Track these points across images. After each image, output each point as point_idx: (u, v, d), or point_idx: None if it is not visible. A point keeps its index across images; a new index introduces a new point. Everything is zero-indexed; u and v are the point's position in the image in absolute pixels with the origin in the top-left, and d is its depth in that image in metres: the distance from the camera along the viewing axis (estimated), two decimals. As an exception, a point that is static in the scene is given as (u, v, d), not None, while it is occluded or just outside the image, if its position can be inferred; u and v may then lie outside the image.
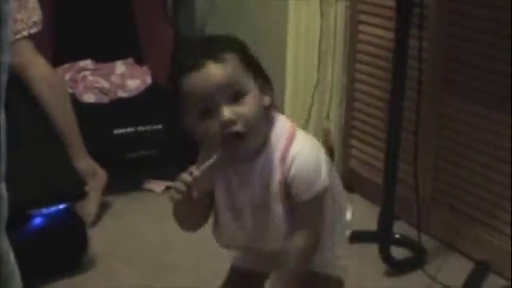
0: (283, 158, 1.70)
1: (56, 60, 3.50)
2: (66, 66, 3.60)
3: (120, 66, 3.66)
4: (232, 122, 1.64)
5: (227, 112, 1.63)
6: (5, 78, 1.10)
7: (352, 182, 3.26)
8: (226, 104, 1.64)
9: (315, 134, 3.41)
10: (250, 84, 1.68)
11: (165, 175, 3.32)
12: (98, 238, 2.83)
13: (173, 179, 3.27)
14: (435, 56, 2.78)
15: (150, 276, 2.62)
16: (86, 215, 2.87)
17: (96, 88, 3.48)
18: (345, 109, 3.30)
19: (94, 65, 3.64)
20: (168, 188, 3.27)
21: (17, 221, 2.41)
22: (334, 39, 3.26)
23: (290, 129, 1.75)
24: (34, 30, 2.89)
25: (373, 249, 2.66)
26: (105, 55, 3.68)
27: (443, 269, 2.66)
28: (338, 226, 1.93)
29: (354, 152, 3.33)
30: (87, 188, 2.75)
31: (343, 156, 3.34)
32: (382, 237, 2.67)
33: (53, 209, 2.61)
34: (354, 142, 3.32)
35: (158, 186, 3.32)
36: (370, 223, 2.72)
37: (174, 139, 3.16)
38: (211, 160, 1.69)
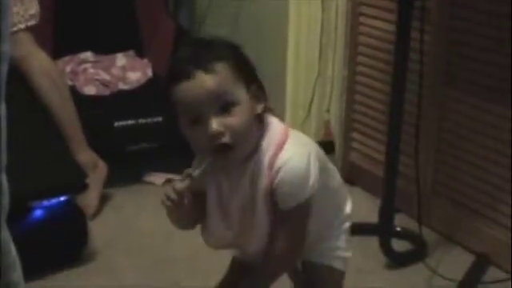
0: (271, 164, 1.71)
1: (56, 52, 3.50)
2: (67, 58, 3.60)
3: (121, 59, 3.66)
4: (220, 134, 1.65)
5: (215, 124, 1.65)
6: (5, 68, 1.10)
7: (353, 175, 3.26)
8: (215, 115, 1.65)
9: (316, 127, 3.42)
10: (241, 93, 1.68)
11: (165, 168, 3.32)
12: (99, 231, 2.83)
13: (173, 171, 3.30)
14: (436, 49, 2.78)
15: (150, 268, 2.63)
16: (86, 207, 2.87)
17: (97, 80, 3.48)
18: (346, 101, 3.30)
19: (94, 57, 3.64)
20: (168, 180, 3.27)
21: (17, 213, 2.40)
22: (334, 32, 3.26)
23: (282, 134, 1.75)
24: (31, 23, 2.89)
25: (373, 241, 2.66)
26: (105, 47, 3.68)
27: (444, 261, 2.66)
28: (337, 221, 1.93)
29: (355, 145, 3.32)
30: (88, 180, 2.75)
31: (344, 149, 3.33)
32: (382, 229, 2.67)
33: (53, 201, 2.61)
34: (354, 135, 3.32)
35: (158, 178, 3.32)
36: (371, 216, 2.72)
37: (174, 132, 3.15)
38: (202, 167, 1.72)
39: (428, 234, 2.80)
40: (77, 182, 2.70)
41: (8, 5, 1.09)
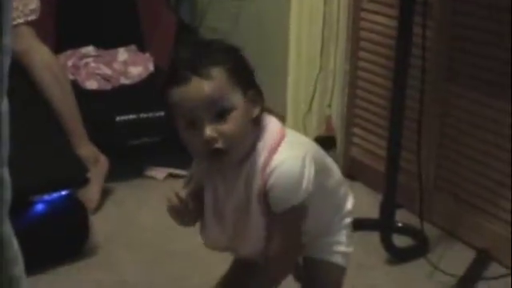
0: (265, 166, 1.72)
1: (58, 46, 3.50)
2: (69, 52, 3.60)
3: (122, 53, 3.65)
4: (214, 140, 1.67)
5: (209, 130, 1.66)
6: (7, 62, 1.10)
7: (354, 170, 3.26)
8: (209, 122, 1.66)
9: (317, 122, 3.42)
10: (237, 98, 1.69)
11: (167, 162, 3.32)
12: (100, 225, 2.83)
13: (175, 166, 3.30)
14: (438, 44, 2.77)
15: (151, 262, 2.63)
16: (87, 202, 2.87)
17: (98, 75, 3.48)
18: (347, 96, 3.29)
19: (96, 51, 3.64)
20: (170, 175, 3.27)
21: (19, 207, 2.41)
22: (336, 26, 3.25)
23: (278, 135, 1.75)
24: (31, 18, 2.88)
25: (375, 237, 2.66)
26: (107, 42, 3.68)
27: (445, 257, 2.66)
28: (337, 218, 1.93)
29: (357, 140, 3.32)
30: (89, 175, 2.75)
31: (345, 144, 3.33)
32: (384, 225, 2.67)
33: (55, 195, 2.61)
34: (356, 130, 3.32)
35: (159, 173, 3.32)
36: (372, 211, 2.72)
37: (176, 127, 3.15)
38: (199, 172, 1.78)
39: (429, 230, 2.80)
40: (78, 177, 2.70)
41: (9, -2, 1.09)
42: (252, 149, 1.73)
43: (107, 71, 3.50)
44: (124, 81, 3.50)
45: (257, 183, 1.73)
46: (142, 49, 3.73)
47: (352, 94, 3.28)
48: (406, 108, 2.61)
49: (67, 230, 2.65)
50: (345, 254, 1.95)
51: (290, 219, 1.74)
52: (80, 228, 2.68)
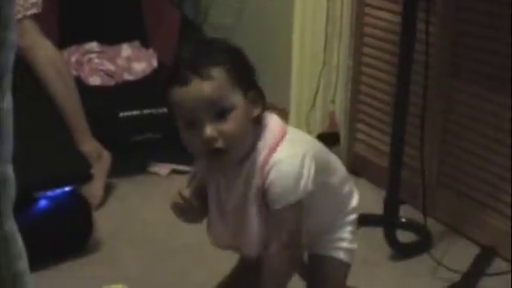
0: (264, 164, 1.73)
1: (62, 42, 3.50)
2: (72, 48, 3.60)
3: (126, 49, 3.65)
4: (214, 140, 1.68)
5: (209, 130, 1.67)
6: (11, 57, 1.10)
7: (358, 166, 3.26)
8: (209, 121, 1.67)
9: (321, 118, 3.41)
10: (237, 98, 1.70)
11: (170, 158, 3.32)
12: (103, 221, 2.83)
13: (178, 162, 3.30)
14: (442, 40, 2.77)
15: (154, 258, 2.63)
16: (91, 198, 2.86)
17: (102, 71, 3.48)
18: (351, 92, 3.29)
19: (99, 47, 3.64)
20: (173, 171, 3.27)
21: (22, 203, 2.41)
22: (340, 22, 3.25)
23: (278, 134, 1.75)
24: (32, 11, 2.87)
25: (378, 233, 2.66)
26: (111, 38, 3.68)
27: (449, 253, 2.66)
28: (341, 215, 1.93)
29: (360, 136, 3.32)
30: (92, 170, 2.75)
31: (349, 140, 3.33)
32: (387, 221, 2.67)
33: (58, 191, 2.61)
34: (359, 126, 3.31)
35: (163, 169, 3.32)
36: (376, 207, 2.71)
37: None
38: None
39: (433, 226, 2.80)
40: (81, 173, 2.70)
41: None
42: (252, 148, 1.73)
43: (110, 67, 3.50)
44: (127, 77, 3.50)
45: (256, 182, 1.73)
46: (145, 45, 3.73)
47: (355, 89, 3.28)
48: (409, 104, 2.60)
49: (70, 226, 2.65)
50: (349, 251, 1.95)
51: (288, 217, 1.74)
52: (83, 224, 2.68)
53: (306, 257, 1.96)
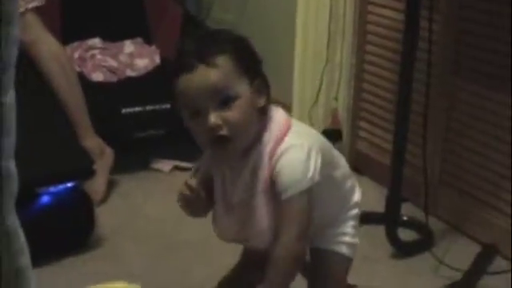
0: (271, 155, 1.73)
1: (64, 38, 3.50)
2: (75, 44, 3.60)
3: (129, 45, 3.66)
4: (218, 127, 1.68)
5: (213, 117, 1.67)
6: (15, 52, 1.10)
7: (360, 164, 3.26)
8: (214, 109, 1.67)
9: (324, 115, 3.41)
10: (242, 87, 1.70)
11: (173, 154, 3.32)
12: (106, 217, 2.83)
13: (181, 158, 3.30)
14: (445, 38, 2.77)
15: (157, 255, 2.63)
16: (93, 193, 2.87)
17: (104, 67, 3.48)
18: (353, 90, 3.29)
19: (102, 43, 3.64)
20: (176, 167, 3.28)
21: (24, 199, 2.41)
22: (343, 20, 3.25)
23: (284, 126, 1.76)
24: (34, 4, 2.87)
25: (380, 230, 2.66)
26: (113, 34, 3.68)
27: (450, 251, 2.66)
28: (343, 209, 1.93)
29: (363, 133, 3.32)
30: (95, 166, 2.75)
31: (351, 137, 3.33)
32: (389, 218, 2.67)
33: (60, 187, 2.61)
34: (362, 124, 3.31)
35: (165, 165, 3.32)
36: (378, 205, 2.72)
37: (182, 119, 3.16)
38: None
39: (435, 224, 2.80)
40: (84, 168, 2.70)
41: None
42: (258, 139, 1.73)
43: (113, 63, 3.50)
44: (130, 73, 3.50)
45: (263, 172, 1.73)
46: (148, 41, 3.73)
47: (358, 87, 3.28)
48: (412, 102, 2.60)
49: (73, 222, 2.65)
50: (351, 245, 1.95)
51: (298, 208, 1.73)
52: (86, 220, 2.68)
53: (307, 251, 1.95)
